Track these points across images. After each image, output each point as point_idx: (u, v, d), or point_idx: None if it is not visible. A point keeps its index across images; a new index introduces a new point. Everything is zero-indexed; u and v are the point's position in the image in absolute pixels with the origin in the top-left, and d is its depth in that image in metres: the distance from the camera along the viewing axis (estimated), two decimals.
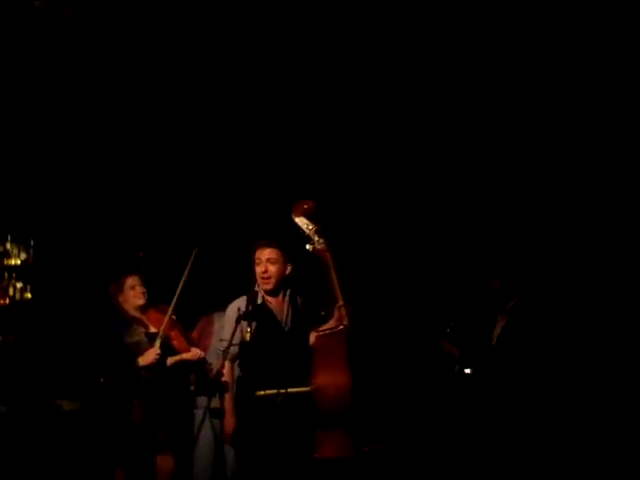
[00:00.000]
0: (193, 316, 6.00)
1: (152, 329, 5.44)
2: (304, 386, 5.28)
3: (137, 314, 5.47)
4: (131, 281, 5.49)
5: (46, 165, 6.86)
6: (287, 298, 5.31)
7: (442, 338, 6.10)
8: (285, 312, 5.28)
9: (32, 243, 6.66)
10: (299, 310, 5.34)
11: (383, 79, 6.63)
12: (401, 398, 6.41)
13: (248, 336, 5.06)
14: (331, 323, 5.29)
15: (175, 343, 5.48)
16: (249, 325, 5.06)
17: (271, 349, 5.19)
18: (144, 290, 5.48)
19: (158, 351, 5.33)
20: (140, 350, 5.36)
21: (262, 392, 5.14)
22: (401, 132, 6.89)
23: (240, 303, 5.15)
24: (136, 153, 6.97)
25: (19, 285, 6.72)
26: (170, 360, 5.50)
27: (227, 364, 5.14)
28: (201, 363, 5.58)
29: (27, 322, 6.67)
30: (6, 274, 6.66)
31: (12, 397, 6.16)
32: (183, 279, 5.43)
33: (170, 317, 5.48)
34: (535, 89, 6.40)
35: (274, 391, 5.15)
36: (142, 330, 5.42)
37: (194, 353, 5.53)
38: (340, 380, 5.14)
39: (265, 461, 5.17)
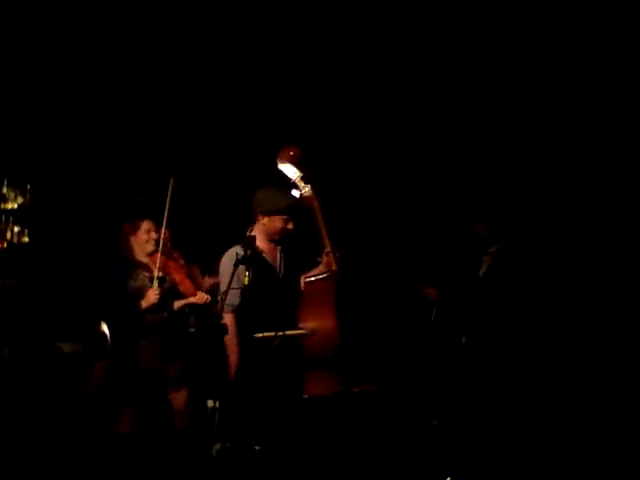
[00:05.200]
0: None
1: (158, 273, 5.46)
2: (301, 329, 5.38)
3: (144, 259, 5.49)
4: (146, 225, 5.49)
5: (41, 109, 6.83)
6: (280, 248, 5.39)
7: (419, 282, 6.10)
8: (278, 259, 5.37)
9: (29, 187, 6.64)
10: (290, 257, 5.41)
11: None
12: (387, 340, 6.49)
13: (247, 280, 5.11)
14: (320, 269, 5.39)
15: (181, 287, 5.49)
16: (247, 270, 5.10)
17: (268, 293, 5.27)
18: (157, 237, 5.47)
19: (157, 291, 5.36)
20: (142, 294, 5.41)
21: (260, 334, 5.22)
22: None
23: (237, 250, 5.16)
24: (133, 95, 6.95)
25: (16, 229, 6.72)
26: (177, 304, 5.54)
27: (229, 315, 5.19)
28: (208, 306, 5.55)
29: (25, 265, 6.70)
30: (3, 218, 6.65)
31: (12, 340, 6.22)
32: (166, 212, 5.39)
33: (168, 258, 5.50)
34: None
35: (272, 333, 5.24)
36: (146, 274, 5.46)
37: (200, 297, 5.50)
38: (328, 324, 5.28)
39: (261, 401, 5.30)
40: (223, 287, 5.13)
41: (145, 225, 5.49)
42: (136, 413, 5.49)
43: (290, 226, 5.32)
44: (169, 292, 5.49)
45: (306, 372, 5.30)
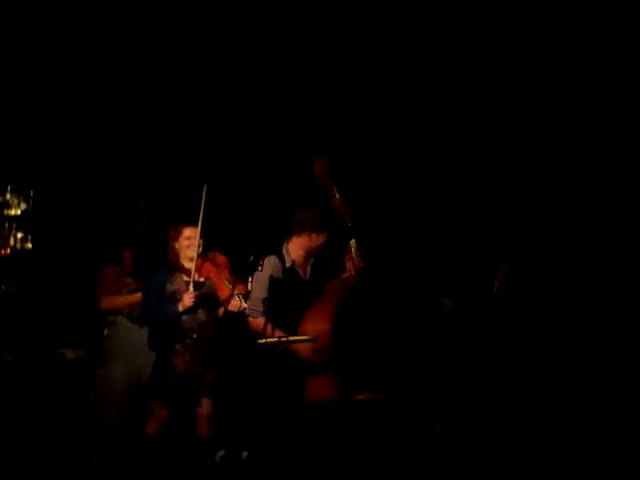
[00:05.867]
0: None
1: (198, 278, 5.48)
2: (305, 334, 5.38)
3: (187, 264, 5.50)
4: (188, 232, 5.52)
5: (45, 116, 6.84)
6: (311, 261, 5.54)
7: (432, 288, 6.10)
8: (308, 274, 5.49)
9: (32, 193, 6.66)
10: (319, 265, 5.52)
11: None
12: (396, 349, 6.48)
13: (250, 287, 5.21)
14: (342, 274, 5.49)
15: (220, 293, 5.51)
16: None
17: (290, 301, 5.34)
18: (199, 243, 5.50)
19: (192, 294, 5.38)
20: (177, 298, 5.43)
21: (263, 340, 5.22)
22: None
23: (273, 264, 5.34)
24: (136, 101, 6.94)
25: (20, 235, 6.75)
26: (221, 311, 5.55)
27: (258, 320, 5.30)
28: (242, 314, 5.39)
29: (29, 272, 6.70)
30: (7, 224, 6.68)
31: (15, 346, 6.22)
32: (200, 219, 5.41)
33: (209, 263, 5.52)
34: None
35: (275, 339, 5.23)
36: (184, 278, 5.48)
37: (233, 305, 5.40)
38: (322, 326, 5.27)
39: (262, 407, 5.31)
40: (254, 294, 5.30)
41: (187, 231, 5.51)
42: (170, 417, 5.47)
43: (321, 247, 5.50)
44: (208, 297, 5.48)
45: (307, 377, 5.32)
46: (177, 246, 5.49)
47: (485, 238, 6.00)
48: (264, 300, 5.25)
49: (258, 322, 5.26)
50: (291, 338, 5.30)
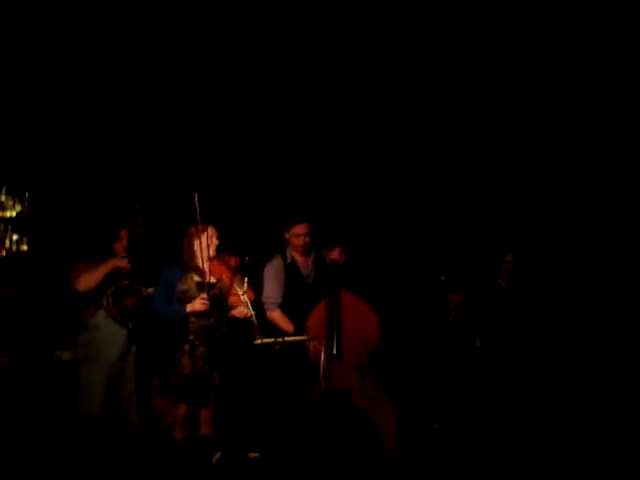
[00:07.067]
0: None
1: (211, 279, 5.47)
2: (301, 335, 5.39)
3: (201, 264, 5.47)
4: (211, 231, 5.55)
5: (39, 117, 6.82)
6: (313, 256, 5.92)
7: (442, 287, 6.10)
8: (310, 268, 5.89)
9: (27, 195, 6.63)
10: (325, 267, 5.82)
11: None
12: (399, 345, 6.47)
13: (245, 287, 5.43)
14: None
15: (229, 296, 5.48)
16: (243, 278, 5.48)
17: (292, 295, 5.77)
18: (218, 243, 5.51)
19: (204, 300, 5.37)
20: (186, 297, 5.41)
21: (259, 341, 5.22)
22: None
23: (277, 262, 5.85)
24: (130, 103, 6.93)
25: (15, 237, 6.72)
26: (228, 314, 5.54)
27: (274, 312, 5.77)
28: (248, 321, 5.47)
29: (24, 274, 6.68)
30: (2, 226, 6.65)
31: (11, 348, 6.20)
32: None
33: (224, 266, 5.53)
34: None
35: (271, 340, 5.24)
36: (195, 278, 5.46)
37: (240, 311, 5.48)
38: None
39: (261, 406, 5.33)
40: (265, 290, 5.77)
41: (210, 230, 5.53)
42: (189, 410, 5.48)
43: (296, 241, 5.90)
44: (218, 299, 5.46)
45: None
46: (196, 244, 5.48)
47: (491, 233, 6.04)
48: (276, 293, 5.77)
49: (272, 314, 5.75)
50: (287, 339, 5.32)
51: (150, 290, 5.74)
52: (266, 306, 5.76)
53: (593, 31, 6.19)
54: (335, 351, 5.46)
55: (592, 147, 6.41)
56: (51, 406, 6.05)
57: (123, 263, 5.76)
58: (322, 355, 5.47)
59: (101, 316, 5.79)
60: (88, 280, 5.70)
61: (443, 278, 5.98)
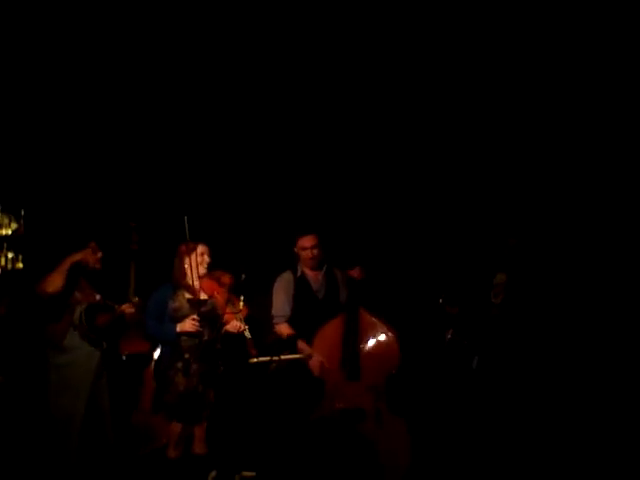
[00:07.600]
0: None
1: (202, 296, 5.47)
2: (297, 353, 5.39)
3: (192, 281, 5.48)
4: (202, 249, 5.55)
5: (35, 135, 6.84)
6: (323, 271, 5.93)
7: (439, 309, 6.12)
8: (320, 283, 5.91)
9: (23, 213, 6.64)
10: (336, 282, 5.90)
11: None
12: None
13: (241, 306, 5.49)
14: None
15: (221, 313, 5.50)
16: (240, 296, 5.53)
17: (302, 314, 5.80)
18: (209, 261, 5.51)
19: (194, 320, 5.36)
20: (178, 315, 5.40)
21: (255, 359, 5.22)
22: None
23: (287, 276, 5.93)
24: (126, 122, 6.95)
25: (10, 255, 6.72)
26: (221, 330, 5.55)
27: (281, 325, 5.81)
28: (241, 335, 5.51)
29: (19, 291, 6.67)
30: None
31: (7, 367, 6.18)
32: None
33: (215, 282, 5.55)
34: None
35: (267, 358, 5.24)
36: (185, 296, 5.46)
37: (233, 325, 5.50)
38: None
39: (256, 424, 5.32)
40: (274, 304, 5.85)
41: (201, 248, 5.54)
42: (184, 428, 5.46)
43: (304, 254, 5.97)
44: (210, 316, 5.46)
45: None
46: (187, 262, 5.48)
47: (485, 251, 6.05)
48: (284, 307, 5.83)
49: (279, 327, 5.80)
50: (283, 357, 5.31)
51: (123, 307, 5.68)
52: (274, 320, 5.84)
53: (589, 33, 6.21)
54: (352, 369, 5.44)
55: (583, 166, 6.43)
56: (46, 423, 6.01)
57: (79, 256, 5.62)
58: (332, 372, 5.45)
59: (76, 337, 5.68)
60: (54, 279, 5.55)
61: (441, 301, 6.01)
